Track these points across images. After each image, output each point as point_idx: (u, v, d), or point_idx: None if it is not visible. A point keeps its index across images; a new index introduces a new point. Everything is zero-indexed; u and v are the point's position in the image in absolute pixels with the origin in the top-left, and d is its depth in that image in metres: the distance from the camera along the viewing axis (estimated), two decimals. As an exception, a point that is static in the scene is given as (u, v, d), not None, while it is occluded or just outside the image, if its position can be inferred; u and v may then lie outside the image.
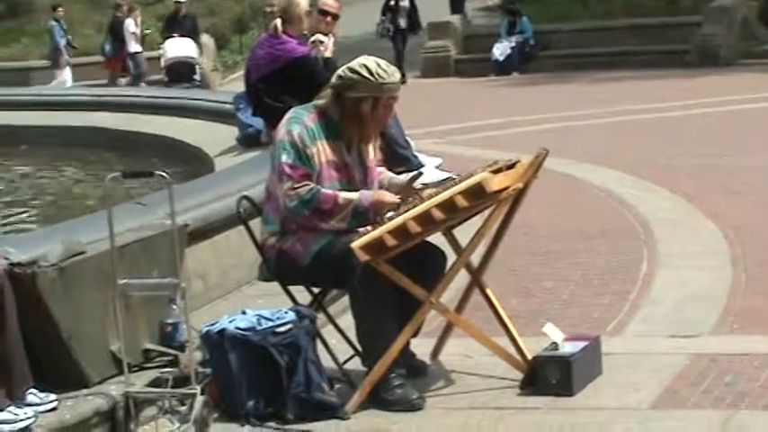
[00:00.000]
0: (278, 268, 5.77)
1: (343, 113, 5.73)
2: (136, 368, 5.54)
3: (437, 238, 5.81)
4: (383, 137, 6.26)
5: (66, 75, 24.96)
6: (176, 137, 13.35)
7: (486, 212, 5.70)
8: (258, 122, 10.72)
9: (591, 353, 5.71)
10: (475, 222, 5.82)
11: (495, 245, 5.95)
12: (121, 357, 5.33)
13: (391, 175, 6.05)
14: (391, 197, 5.67)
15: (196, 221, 6.68)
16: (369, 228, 5.50)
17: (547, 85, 21.72)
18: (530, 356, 5.69)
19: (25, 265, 5.20)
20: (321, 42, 9.65)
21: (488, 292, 5.93)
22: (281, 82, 9.67)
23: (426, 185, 5.90)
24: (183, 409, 5.25)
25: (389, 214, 5.56)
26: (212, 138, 12.28)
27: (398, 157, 9.71)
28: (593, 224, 9.31)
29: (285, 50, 9.81)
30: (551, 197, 9.77)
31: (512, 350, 5.75)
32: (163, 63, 23.34)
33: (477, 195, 5.40)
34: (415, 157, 10.39)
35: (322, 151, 5.67)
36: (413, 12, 24.63)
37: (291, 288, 5.86)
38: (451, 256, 5.80)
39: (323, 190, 5.60)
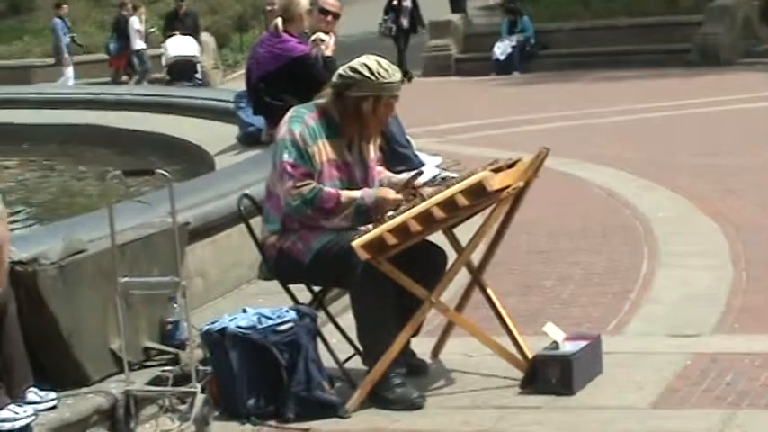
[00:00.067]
0: (278, 267, 5.77)
1: (344, 112, 5.72)
2: (136, 366, 5.54)
3: (438, 237, 5.81)
4: (383, 136, 6.27)
5: (69, 72, 24.95)
6: (177, 135, 13.35)
7: (487, 211, 5.69)
8: (259, 121, 10.72)
9: (591, 352, 5.71)
10: (475, 221, 5.81)
11: (496, 244, 5.95)
12: (122, 355, 5.33)
13: (390, 174, 6.05)
14: (393, 194, 5.68)
15: (197, 220, 6.69)
16: (369, 226, 5.50)
17: (548, 85, 21.71)
18: (530, 355, 5.68)
19: (26, 263, 5.20)
20: (322, 41, 9.67)
21: (489, 291, 5.92)
22: (281, 81, 9.68)
23: (427, 183, 5.90)
24: (184, 407, 5.25)
25: (390, 213, 5.56)
26: (213, 136, 12.28)
27: (399, 156, 9.72)
28: (593, 223, 9.30)
29: (286, 49, 9.82)
30: (552, 196, 9.77)
31: (512, 349, 5.75)
32: (164, 61, 23.33)
33: (478, 194, 5.40)
34: (416, 156, 10.40)
35: (323, 150, 5.67)
36: (415, 11, 24.60)
37: (292, 287, 5.86)
38: (452, 255, 5.80)
39: (325, 189, 5.60)
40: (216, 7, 31.06)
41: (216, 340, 5.48)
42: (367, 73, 5.66)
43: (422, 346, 5.99)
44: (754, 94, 17.53)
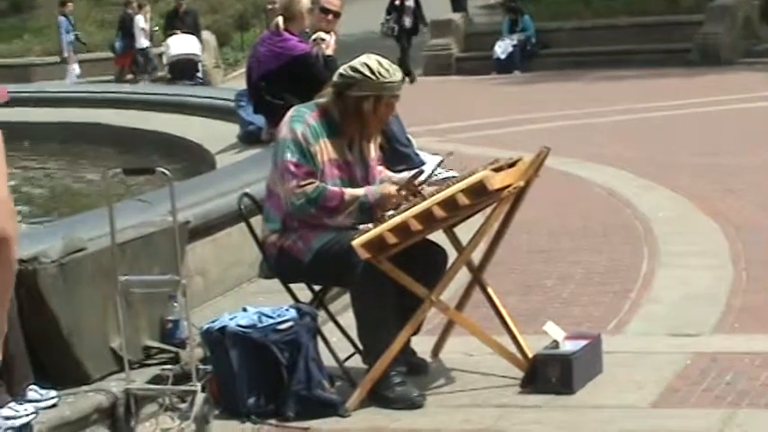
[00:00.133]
0: (279, 266, 5.77)
1: (345, 112, 5.72)
2: (136, 365, 5.54)
3: (438, 236, 5.81)
4: (384, 134, 6.27)
5: (75, 69, 24.92)
6: (178, 134, 13.35)
7: (488, 210, 5.70)
8: (259, 120, 10.73)
9: (591, 351, 5.71)
10: (476, 220, 5.82)
11: (496, 243, 5.95)
12: (122, 354, 5.33)
13: (391, 174, 6.05)
14: (395, 189, 5.67)
15: (197, 218, 6.69)
16: (370, 225, 5.50)
17: (548, 84, 21.72)
18: (530, 355, 5.68)
19: (26, 261, 5.20)
20: (323, 40, 9.67)
21: (489, 290, 5.92)
22: (282, 79, 9.68)
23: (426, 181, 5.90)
24: (184, 406, 5.25)
25: (390, 212, 5.56)
26: (213, 135, 12.28)
27: (399, 155, 9.71)
28: (594, 223, 9.31)
29: (286, 48, 9.82)
30: (552, 196, 9.77)
31: (512, 348, 5.75)
32: (166, 60, 23.33)
33: (479, 193, 5.40)
34: (416, 155, 10.40)
35: (324, 149, 5.67)
36: (417, 10, 24.57)
37: (292, 285, 5.87)
38: (452, 254, 5.80)
39: (329, 187, 5.60)
40: (216, 6, 31.06)
41: (216, 339, 5.48)
42: (368, 72, 5.66)
43: (422, 345, 6.00)
44: (754, 93, 17.53)
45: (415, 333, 5.78)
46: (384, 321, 5.53)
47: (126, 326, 5.31)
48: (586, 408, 5.36)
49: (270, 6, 14.53)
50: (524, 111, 17.32)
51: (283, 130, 5.72)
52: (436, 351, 6.09)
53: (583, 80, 21.69)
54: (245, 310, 5.62)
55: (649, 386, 5.53)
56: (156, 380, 5.41)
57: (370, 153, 5.86)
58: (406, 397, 5.50)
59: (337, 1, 9.95)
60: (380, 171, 5.98)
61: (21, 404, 4.96)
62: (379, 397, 5.51)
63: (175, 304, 5.71)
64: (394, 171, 6.25)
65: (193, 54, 23.34)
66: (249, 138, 11.10)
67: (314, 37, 9.72)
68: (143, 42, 24.48)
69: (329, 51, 9.62)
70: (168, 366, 5.50)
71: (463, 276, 5.98)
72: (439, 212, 5.39)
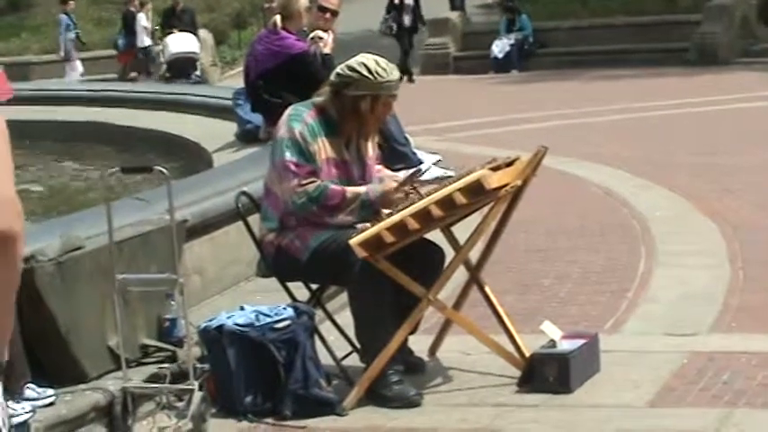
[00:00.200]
0: (276, 264, 5.77)
1: (343, 111, 5.72)
2: (134, 363, 5.54)
3: (436, 235, 5.81)
4: (382, 134, 6.27)
5: (70, 68, 24.88)
6: (175, 132, 13.35)
7: (485, 209, 5.70)
8: (257, 118, 10.73)
9: (588, 350, 5.71)
10: (473, 219, 5.82)
11: (494, 242, 5.95)
12: (119, 352, 5.33)
13: (389, 173, 6.05)
14: (396, 185, 5.67)
15: (195, 217, 6.69)
16: (367, 224, 5.50)
17: (546, 83, 21.72)
18: (527, 354, 5.69)
19: (23, 259, 5.19)
20: (320, 38, 9.67)
21: (486, 289, 5.93)
22: (280, 78, 9.69)
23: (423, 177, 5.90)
24: (181, 404, 5.25)
25: (387, 211, 5.56)
26: (211, 133, 12.28)
27: (397, 154, 9.73)
28: (591, 222, 9.31)
29: (284, 46, 9.82)
30: (550, 195, 9.77)
31: (510, 347, 5.75)
32: (165, 58, 23.30)
33: (476, 192, 5.40)
34: (414, 154, 10.41)
35: (322, 148, 5.67)
36: (417, 9, 24.53)
37: (290, 284, 5.87)
38: (450, 253, 5.80)
39: (330, 186, 5.61)
40: (214, 4, 31.04)
41: (213, 338, 5.48)
42: (365, 72, 5.66)
43: (419, 344, 6.00)
44: (751, 93, 17.53)
45: (412, 332, 5.78)
46: (381, 320, 5.54)
47: (123, 324, 5.31)
48: (583, 407, 5.36)
49: (267, 5, 14.53)
50: (522, 110, 17.32)
51: (281, 129, 5.72)
52: (433, 350, 6.09)
53: (580, 79, 21.69)
54: (242, 308, 5.63)
55: (646, 385, 5.53)
56: (154, 378, 5.41)
57: (367, 152, 5.86)
58: (403, 396, 5.50)
59: (335, 0, 9.95)
60: (380, 170, 5.98)
61: (18, 402, 4.96)
62: (377, 396, 5.52)
63: (173, 303, 5.71)
64: (392, 170, 6.25)
65: (192, 52, 23.33)
66: (247, 136, 11.10)
67: (312, 35, 9.73)
68: (145, 41, 24.43)
69: (327, 50, 9.62)
70: (165, 365, 5.50)
71: (460, 275, 5.99)
72: (436, 211, 5.40)
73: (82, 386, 5.29)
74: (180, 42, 23.25)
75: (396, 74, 5.78)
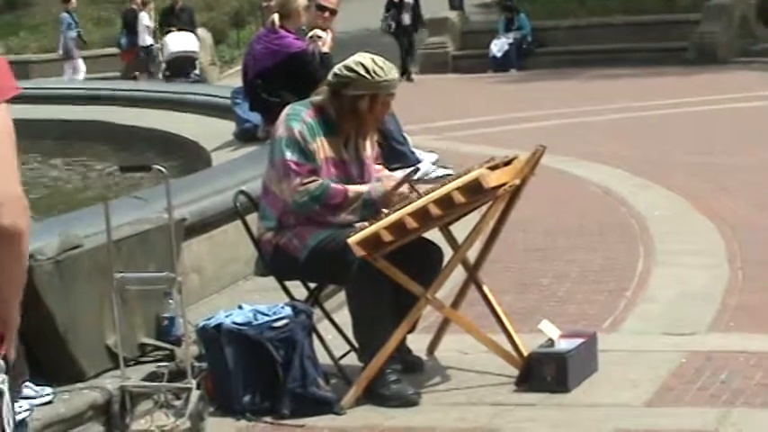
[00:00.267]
0: (274, 263, 5.77)
1: (341, 111, 5.72)
2: (132, 362, 5.54)
3: (434, 234, 5.81)
4: (380, 133, 6.27)
5: (70, 67, 24.87)
6: (174, 131, 13.35)
7: (483, 209, 5.70)
8: (255, 117, 10.73)
9: (587, 350, 5.71)
10: (472, 218, 5.82)
11: (492, 241, 5.95)
12: (117, 351, 5.33)
13: (388, 173, 6.05)
14: (393, 187, 5.66)
15: (193, 216, 6.68)
16: (365, 223, 5.50)
17: (544, 82, 21.72)
18: (525, 353, 5.68)
19: (22, 258, 5.19)
20: (319, 37, 9.67)
21: (485, 288, 5.93)
22: (278, 77, 9.69)
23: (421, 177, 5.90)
24: (179, 403, 5.25)
25: (385, 211, 5.56)
26: (209, 132, 12.28)
27: (396, 153, 9.73)
28: (590, 221, 9.31)
29: (282, 45, 9.82)
30: (548, 194, 9.77)
31: (508, 346, 5.75)
32: (164, 57, 23.29)
33: (475, 191, 5.40)
34: (412, 153, 10.42)
35: (321, 147, 5.66)
36: (416, 8, 24.52)
37: (288, 283, 5.86)
38: (448, 253, 5.80)
39: (332, 185, 5.60)
40: (212, 3, 31.05)
41: (211, 336, 5.48)
42: (363, 72, 5.65)
43: (417, 343, 6.00)
44: (750, 93, 17.54)
45: (410, 331, 5.78)
46: (379, 319, 5.53)
47: (121, 323, 5.31)
48: (581, 406, 5.36)
49: (266, 4, 14.55)
50: (520, 109, 17.32)
51: (280, 128, 5.71)
52: (432, 349, 6.09)
53: (579, 79, 21.69)
54: (240, 307, 5.62)
55: (644, 385, 5.53)
56: (152, 377, 5.41)
57: (365, 151, 5.86)
58: (401, 395, 5.50)
59: (333, -2, 9.95)
60: (379, 170, 5.97)
61: (16, 401, 4.96)
62: (375, 395, 5.52)
63: (171, 301, 5.71)
64: (389, 169, 6.25)
65: (192, 51, 23.33)
66: (245, 135, 11.10)
67: (310, 34, 9.72)
68: (146, 40, 24.40)
69: (325, 49, 9.62)
70: (163, 363, 5.50)
71: (459, 274, 5.98)
72: (435, 210, 5.39)
73: (80, 385, 5.29)
74: (180, 41, 23.24)
75: (394, 72, 5.78)
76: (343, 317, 5.86)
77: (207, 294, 6.89)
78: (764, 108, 15.82)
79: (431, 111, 17.30)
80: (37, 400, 5.04)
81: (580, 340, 5.70)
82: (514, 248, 8.25)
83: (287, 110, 5.80)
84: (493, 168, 5.52)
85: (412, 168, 6.03)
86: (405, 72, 22.78)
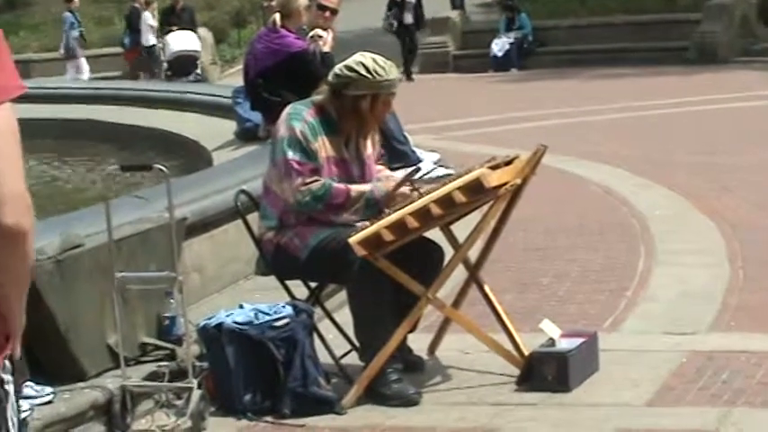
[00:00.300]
0: (275, 263, 5.77)
1: (342, 110, 5.72)
2: (133, 361, 5.54)
3: (435, 234, 5.81)
4: (381, 132, 6.26)
5: (71, 66, 24.84)
6: (175, 131, 13.35)
7: (484, 208, 5.70)
8: (256, 117, 10.73)
9: (587, 349, 5.71)
10: (473, 218, 5.82)
11: (493, 241, 5.95)
12: (118, 351, 5.33)
13: (389, 172, 6.05)
14: (393, 187, 5.66)
15: (194, 215, 6.68)
16: (366, 223, 5.50)
17: (545, 82, 21.72)
18: (526, 352, 5.69)
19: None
20: (320, 37, 9.67)
21: (485, 287, 5.93)
22: (279, 76, 9.69)
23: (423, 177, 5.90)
24: (180, 402, 5.25)
25: (386, 210, 5.56)
26: (210, 132, 12.28)
27: (396, 153, 9.73)
28: (590, 221, 9.31)
29: (283, 45, 9.82)
30: (549, 194, 9.77)
31: (509, 346, 5.75)
32: (166, 56, 23.27)
33: (476, 191, 5.40)
34: (413, 152, 10.42)
35: (323, 147, 5.66)
36: (418, 7, 24.50)
37: (289, 282, 5.87)
38: (449, 252, 5.80)
39: (335, 184, 5.60)
40: (213, 3, 31.05)
41: (212, 336, 5.48)
42: (363, 71, 5.65)
43: (418, 343, 6.00)
44: (751, 92, 17.54)
45: (411, 330, 5.78)
46: (380, 318, 5.53)
47: (122, 322, 5.31)
48: (582, 406, 5.36)
49: (267, 3, 14.54)
50: (521, 108, 17.32)
51: (281, 128, 5.71)
52: (432, 348, 6.09)
53: (579, 78, 21.69)
54: (241, 306, 5.62)
55: (645, 384, 5.53)
56: (153, 376, 5.41)
57: (366, 150, 5.86)
58: (402, 394, 5.50)
59: (334, -2, 9.95)
60: (380, 170, 5.97)
61: (17, 401, 4.95)
62: (376, 394, 5.52)
63: (172, 301, 5.71)
64: (390, 169, 6.25)
65: (194, 51, 23.31)
66: (246, 135, 11.10)
67: (311, 34, 9.72)
68: (150, 39, 24.37)
69: (327, 48, 9.62)
70: (164, 363, 5.50)
71: (460, 274, 5.98)
72: (436, 210, 5.39)
73: (81, 384, 5.29)
74: (181, 40, 23.22)
75: (394, 72, 5.78)
76: (344, 316, 5.86)
77: (208, 294, 6.90)
78: (765, 108, 15.81)
79: (431, 110, 17.30)
80: (38, 399, 5.04)
81: (581, 340, 5.70)
82: (515, 248, 8.25)
83: (288, 109, 5.80)
84: (494, 168, 5.52)
85: (413, 168, 6.03)
86: (406, 72, 22.78)
